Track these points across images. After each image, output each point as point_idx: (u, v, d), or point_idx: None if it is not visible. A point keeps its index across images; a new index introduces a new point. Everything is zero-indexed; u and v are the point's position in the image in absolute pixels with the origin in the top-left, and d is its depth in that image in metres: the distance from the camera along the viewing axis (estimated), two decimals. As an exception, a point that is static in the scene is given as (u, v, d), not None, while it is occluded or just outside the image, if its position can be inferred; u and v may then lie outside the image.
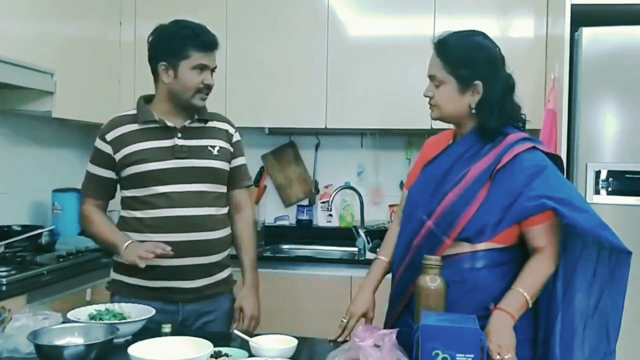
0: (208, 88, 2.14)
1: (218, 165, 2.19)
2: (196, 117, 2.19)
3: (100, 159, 2.18)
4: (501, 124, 1.76)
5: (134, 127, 2.15)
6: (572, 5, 2.68)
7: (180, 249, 2.08)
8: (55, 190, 3.32)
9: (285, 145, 3.95)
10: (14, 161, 3.21)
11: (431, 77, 1.79)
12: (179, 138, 2.14)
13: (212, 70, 2.15)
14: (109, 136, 2.15)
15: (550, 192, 1.63)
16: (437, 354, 1.46)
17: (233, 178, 2.28)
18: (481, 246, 1.70)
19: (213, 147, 2.18)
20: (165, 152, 2.12)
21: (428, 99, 1.81)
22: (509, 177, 1.68)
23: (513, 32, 3.30)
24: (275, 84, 3.53)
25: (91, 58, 3.35)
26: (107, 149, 2.15)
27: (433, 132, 3.48)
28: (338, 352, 1.56)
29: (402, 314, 1.84)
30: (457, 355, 1.45)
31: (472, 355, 1.45)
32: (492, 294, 1.69)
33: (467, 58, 1.74)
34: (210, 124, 2.23)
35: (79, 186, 3.36)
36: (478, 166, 1.73)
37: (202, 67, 2.11)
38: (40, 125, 3.37)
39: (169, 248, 2.01)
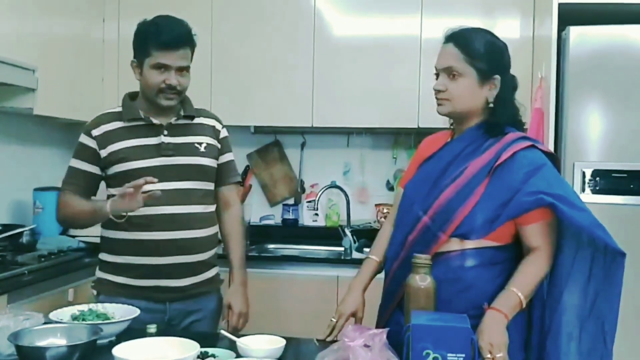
0: (171, 88, 2.06)
1: (205, 162, 2.16)
2: (182, 113, 2.15)
3: (84, 153, 2.13)
4: (507, 122, 1.77)
5: (120, 124, 2.12)
6: (560, 5, 2.69)
7: (166, 247, 2.06)
8: (36, 189, 3.27)
9: (271, 144, 3.92)
10: (-6, 159, 3.16)
11: (446, 70, 1.75)
12: (165, 135, 2.10)
13: (180, 69, 2.06)
14: (95, 132, 2.12)
15: (548, 188, 1.63)
16: (427, 354, 1.45)
17: (221, 174, 2.25)
18: (472, 244, 1.69)
19: (200, 144, 2.15)
20: (151, 150, 2.09)
21: (436, 93, 1.78)
22: (508, 174, 1.67)
23: (500, 31, 3.24)
24: (261, 83, 3.50)
25: (74, 55, 3.30)
26: (93, 144, 2.11)
27: (420, 131, 3.53)
28: (327, 352, 1.53)
29: (394, 312, 1.83)
30: (448, 354, 1.44)
31: (463, 355, 1.44)
32: (486, 293, 1.67)
33: (487, 51, 1.75)
34: (196, 120, 2.20)
35: (60, 185, 3.33)
36: (477, 162, 1.72)
37: (162, 67, 2.04)
38: (21, 122, 3.31)
39: (150, 178, 1.87)
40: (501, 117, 1.75)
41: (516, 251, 1.74)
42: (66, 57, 3.21)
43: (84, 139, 2.14)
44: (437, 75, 1.80)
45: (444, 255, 1.71)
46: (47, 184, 3.32)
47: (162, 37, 2.02)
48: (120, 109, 2.16)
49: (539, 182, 1.64)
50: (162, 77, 2.05)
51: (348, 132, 3.81)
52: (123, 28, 3.54)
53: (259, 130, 3.85)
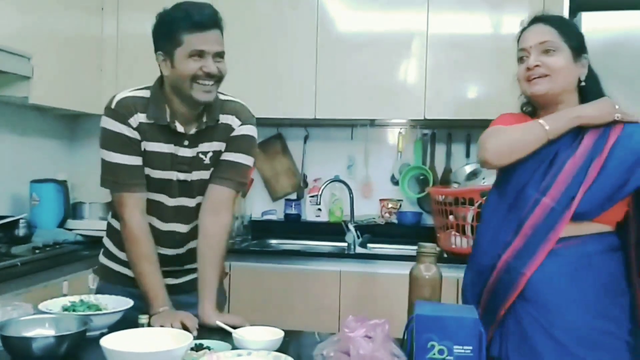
0: (209, 76, 1.82)
1: (207, 176, 1.97)
2: (205, 121, 1.92)
3: (130, 146, 1.88)
4: None
5: (146, 118, 1.90)
6: (571, -9, 2.64)
7: (165, 261, 1.96)
8: (33, 181, 3.21)
9: (273, 137, 3.86)
10: (-10, 150, 3.11)
11: (540, 45, 1.71)
12: (183, 147, 1.92)
13: (218, 55, 1.83)
14: (133, 122, 1.87)
15: None
16: (432, 346, 1.37)
17: (216, 170, 1.96)
18: (590, 228, 1.66)
19: (205, 154, 1.94)
20: (167, 160, 1.91)
21: (530, 70, 1.72)
22: (623, 151, 1.65)
23: (509, 19, 3.22)
24: (263, 74, 3.44)
25: (72, 44, 3.24)
26: (136, 135, 1.88)
27: (426, 122, 3.45)
28: (327, 343, 1.46)
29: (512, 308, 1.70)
30: (455, 346, 1.35)
31: (470, 347, 1.35)
32: (614, 279, 1.67)
33: (577, 31, 1.78)
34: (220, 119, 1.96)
35: (58, 177, 3.27)
36: (589, 137, 1.67)
37: (198, 54, 1.79)
38: (18, 113, 3.26)
39: (195, 332, 1.71)
40: (595, 96, 1.73)
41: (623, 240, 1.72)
42: (64, 46, 3.16)
43: (122, 129, 1.87)
44: (521, 59, 1.75)
45: (571, 240, 1.66)
46: (44, 176, 3.28)
47: (193, 17, 1.78)
48: (146, 94, 1.91)
49: None
50: (198, 65, 1.80)
51: (352, 125, 3.73)
52: (122, 17, 3.48)
53: (261, 122, 3.74)
